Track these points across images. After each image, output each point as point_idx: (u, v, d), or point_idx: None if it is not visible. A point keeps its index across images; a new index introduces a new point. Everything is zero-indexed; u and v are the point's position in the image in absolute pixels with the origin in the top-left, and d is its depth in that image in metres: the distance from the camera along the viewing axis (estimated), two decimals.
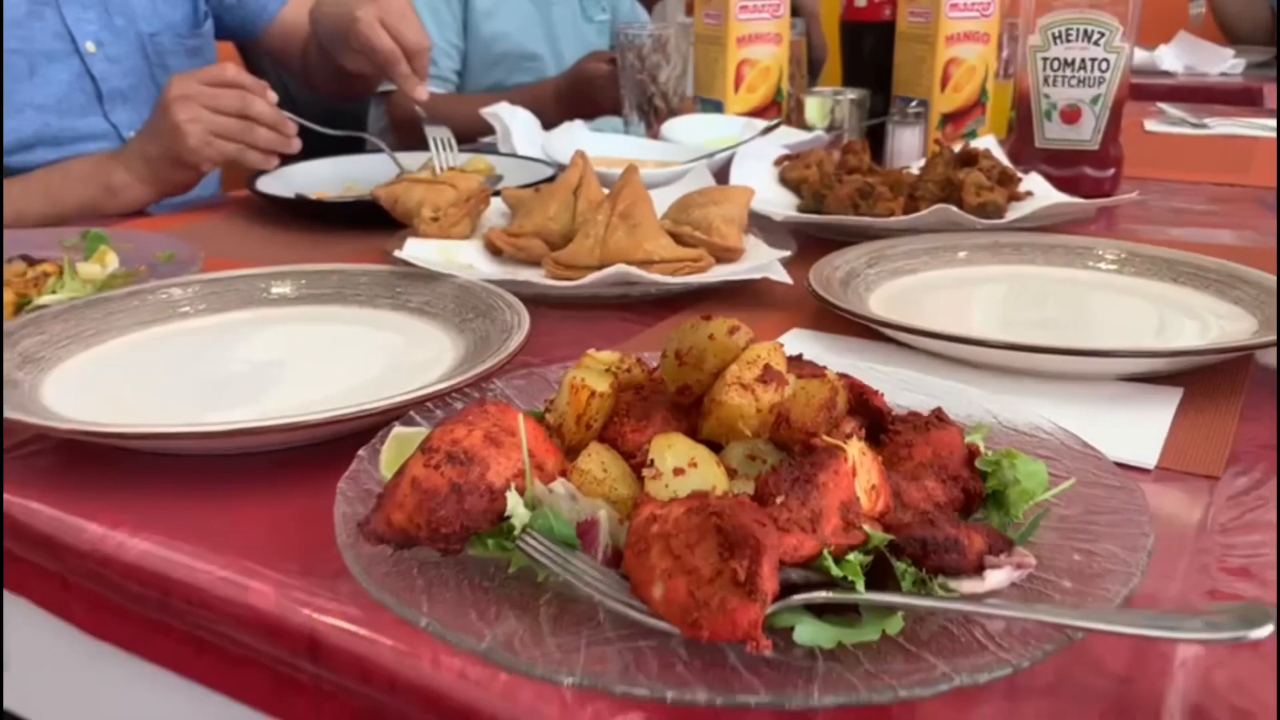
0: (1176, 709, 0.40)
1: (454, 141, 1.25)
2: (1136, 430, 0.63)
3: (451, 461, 0.45)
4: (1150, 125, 1.81)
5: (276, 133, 1.14)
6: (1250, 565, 0.50)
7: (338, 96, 1.57)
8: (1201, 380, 0.69)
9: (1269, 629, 0.38)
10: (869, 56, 1.49)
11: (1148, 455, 0.60)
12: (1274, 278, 0.80)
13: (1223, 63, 2.53)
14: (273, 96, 1.15)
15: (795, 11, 1.50)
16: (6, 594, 0.59)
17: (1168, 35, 2.65)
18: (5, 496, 0.57)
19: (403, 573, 0.45)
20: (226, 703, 0.50)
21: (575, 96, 1.77)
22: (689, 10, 1.67)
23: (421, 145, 1.27)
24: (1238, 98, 2.27)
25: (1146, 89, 2.19)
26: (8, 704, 0.63)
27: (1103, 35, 1.19)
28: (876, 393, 0.54)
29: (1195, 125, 1.79)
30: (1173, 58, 2.57)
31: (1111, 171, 1.24)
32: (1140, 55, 2.59)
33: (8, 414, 0.58)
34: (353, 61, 1.29)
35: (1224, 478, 0.58)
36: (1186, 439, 0.63)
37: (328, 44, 1.35)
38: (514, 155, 1.34)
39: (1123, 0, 1.19)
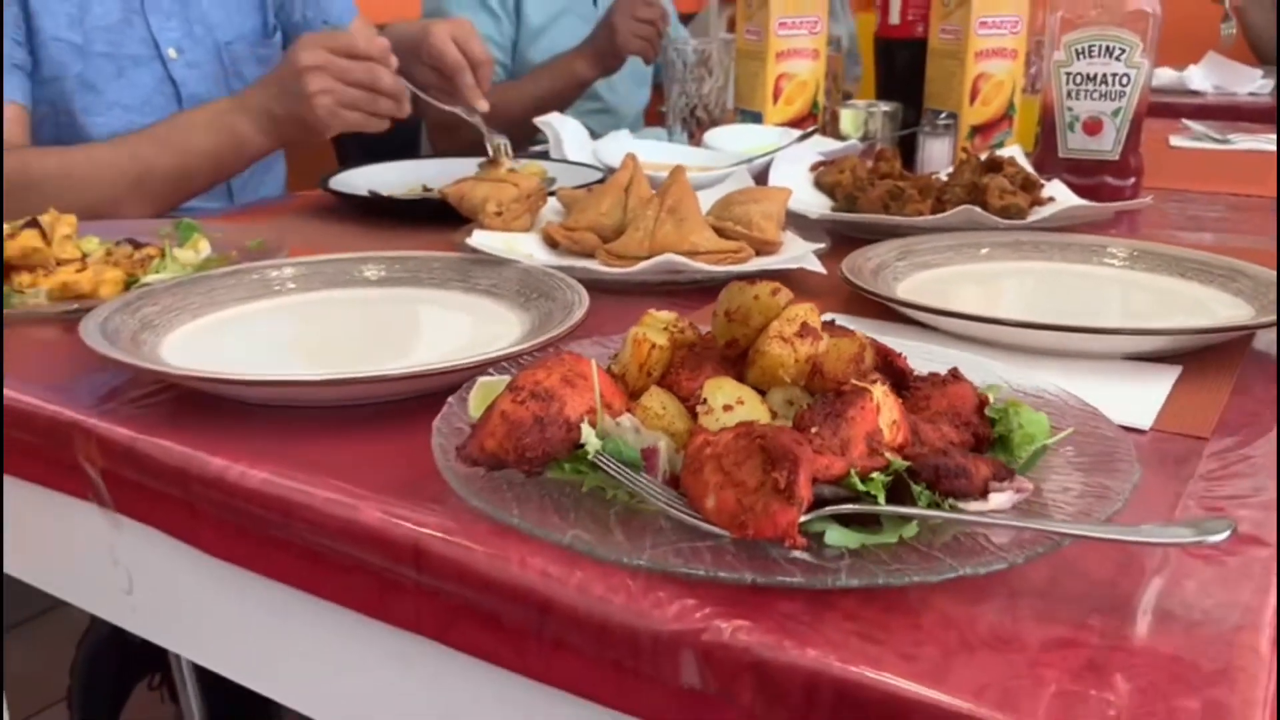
0: (1149, 607, 0.47)
1: (510, 148, 1.34)
2: (1136, 399, 0.70)
3: (534, 398, 0.54)
4: (1175, 141, 1.87)
5: (395, 101, 1.22)
6: (1228, 505, 0.57)
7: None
8: (1199, 360, 0.76)
9: (1225, 535, 0.45)
10: (901, 71, 1.57)
11: (1144, 419, 0.67)
12: (1273, 271, 0.87)
13: (1251, 83, 2.59)
14: (394, 63, 1.21)
15: None
16: (138, 525, 0.67)
17: (1199, 56, 2.71)
18: (138, 436, 0.65)
19: (494, 488, 0.53)
20: (337, 610, 0.58)
21: (602, 34, 1.89)
22: (731, 27, 1.75)
23: (458, 152, 1.38)
24: (1264, 116, 2.32)
25: (1175, 107, 2.26)
26: (141, 632, 0.72)
27: (1124, 51, 1.27)
28: (900, 355, 0.61)
29: (1219, 141, 1.85)
30: (1201, 77, 2.62)
31: (1131, 181, 1.31)
32: (1170, 75, 2.66)
33: (144, 364, 0.67)
34: (420, 74, 1.39)
35: (1212, 439, 0.65)
36: (1181, 407, 0.70)
37: (397, 59, 1.45)
38: (565, 161, 1.43)
39: (1143, 18, 1.26)
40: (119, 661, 1.63)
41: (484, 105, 1.35)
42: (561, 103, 1.92)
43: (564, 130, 1.50)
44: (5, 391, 0.73)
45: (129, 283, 0.91)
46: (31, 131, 1.33)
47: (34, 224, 0.92)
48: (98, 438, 0.67)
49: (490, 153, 1.32)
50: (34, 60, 1.31)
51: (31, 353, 0.81)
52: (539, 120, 1.51)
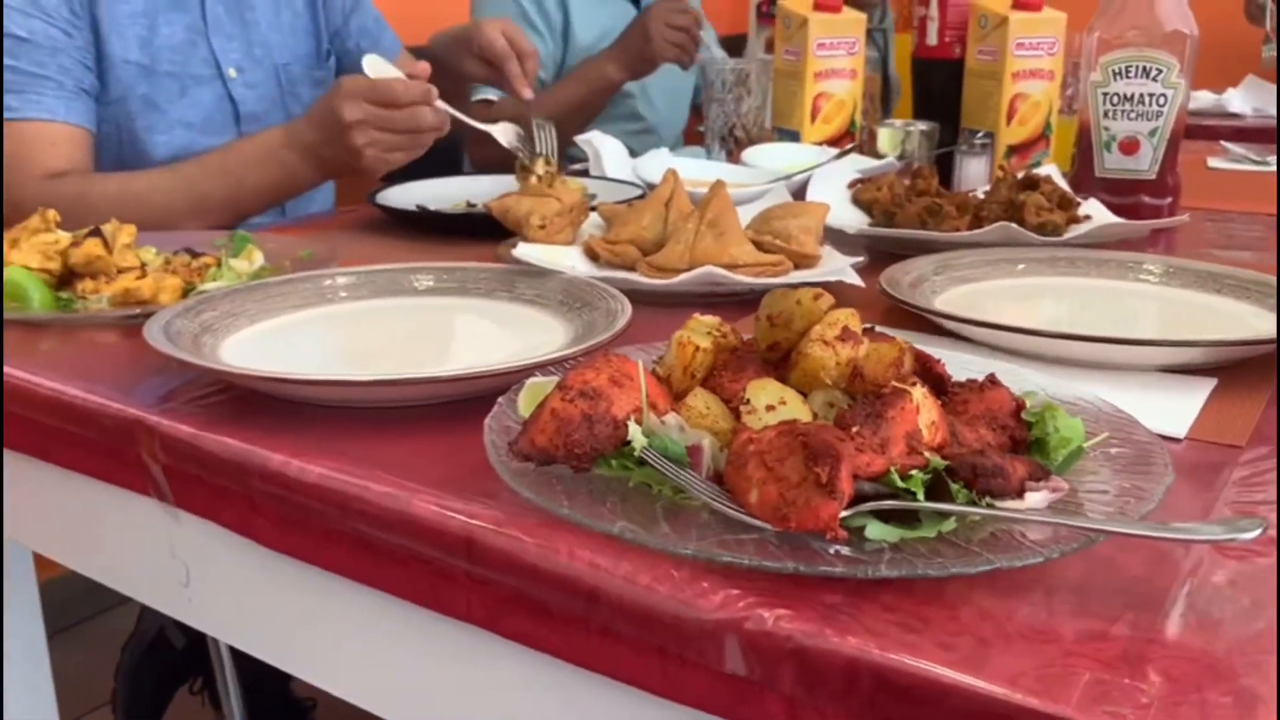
0: (1182, 603, 0.49)
1: (555, 131, 1.38)
2: (1171, 409, 0.71)
3: (583, 396, 0.56)
4: (1213, 162, 1.87)
5: (438, 130, 1.25)
6: (1261, 510, 0.58)
7: None
8: (1235, 373, 0.77)
9: (1257, 532, 0.46)
10: (939, 91, 1.58)
11: (1179, 428, 0.68)
12: None
13: None
14: (435, 94, 1.23)
15: None
16: (197, 519, 0.70)
17: (1239, 79, 2.70)
18: (199, 432, 0.68)
19: (544, 482, 0.55)
20: (390, 601, 0.60)
21: (634, 38, 1.92)
22: (769, 48, 1.78)
23: (497, 164, 1.44)
24: None
25: (1214, 130, 2.25)
26: (197, 624, 0.74)
27: (1161, 72, 1.28)
28: (938, 361, 0.63)
29: (1258, 163, 1.85)
30: (1241, 100, 2.62)
31: (1168, 200, 1.31)
32: (1209, 98, 2.65)
33: (206, 364, 0.70)
34: (470, 65, 1.48)
35: (1246, 448, 0.66)
36: (1216, 417, 0.71)
37: (446, 56, 1.53)
38: (604, 178, 1.45)
39: (1180, 40, 1.27)
40: (162, 666, 1.67)
41: (528, 93, 1.44)
42: (592, 109, 1.95)
43: (604, 148, 1.52)
44: (70, 392, 0.76)
45: (186, 290, 0.94)
46: (96, 150, 1.37)
47: (96, 233, 0.96)
48: (160, 435, 0.70)
49: (526, 163, 1.35)
50: (101, 83, 1.36)
51: (95, 355, 0.85)
52: (580, 139, 1.54)
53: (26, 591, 1.11)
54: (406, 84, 1.23)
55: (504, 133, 1.38)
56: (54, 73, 1.31)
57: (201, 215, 1.26)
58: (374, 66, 1.29)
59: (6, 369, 0.80)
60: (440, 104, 1.24)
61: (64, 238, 0.97)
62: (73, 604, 2.14)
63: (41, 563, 1.09)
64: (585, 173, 1.50)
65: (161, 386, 0.75)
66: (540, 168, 1.30)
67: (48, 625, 1.14)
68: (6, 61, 1.29)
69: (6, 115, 1.29)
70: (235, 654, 1.54)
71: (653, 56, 1.90)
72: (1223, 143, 2.05)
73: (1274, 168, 1.82)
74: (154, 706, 1.68)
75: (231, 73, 1.44)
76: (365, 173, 1.26)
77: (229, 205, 1.28)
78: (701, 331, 0.62)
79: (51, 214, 1.01)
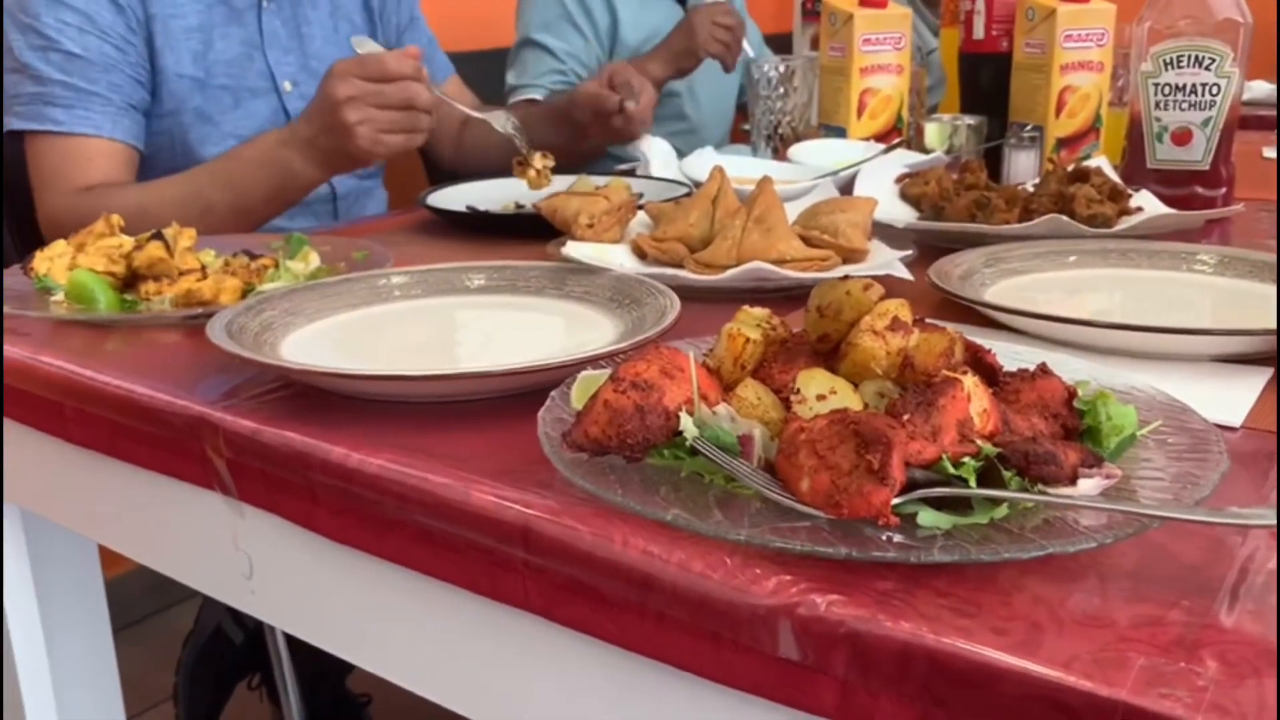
0: (1238, 590, 0.48)
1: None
2: (1226, 399, 0.71)
3: (635, 388, 0.57)
4: (1269, 153, 1.84)
5: (432, 115, 1.24)
6: None
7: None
8: None
9: None
10: (986, 85, 1.57)
11: (1234, 417, 0.68)
12: None
13: None
14: (427, 75, 1.22)
15: None
16: (260, 512, 0.72)
17: None
18: (261, 427, 0.70)
19: (598, 472, 0.56)
20: (449, 590, 0.62)
21: (679, 35, 1.92)
22: (814, 45, 1.78)
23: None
24: None
25: (1270, 120, 2.21)
26: (259, 615, 0.76)
27: (1213, 61, 1.26)
28: (989, 351, 0.63)
29: None
30: None
31: (1223, 191, 1.30)
32: (1265, 88, 2.60)
33: (268, 360, 0.72)
34: (578, 115, 1.56)
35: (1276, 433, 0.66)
36: (1272, 406, 0.70)
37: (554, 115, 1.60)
38: (649, 177, 1.46)
39: (1234, 28, 1.26)
40: (221, 661, 1.70)
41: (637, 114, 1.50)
42: None
43: (652, 149, 1.53)
44: (136, 390, 0.78)
45: (246, 290, 0.97)
46: (148, 161, 1.41)
47: (158, 236, 0.98)
48: (224, 430, 0.72)
49: (524, 154, 1.36)
50: (154, 96, 1.39)
51: (159, 354, 0.87)
52: (631, 145, 1.55)
53: (92, 586, 1.14)
54: (397, 56, 1.21)
55: (499, 120, 1.38)
56: (104, 89, 1.34)
57: (209, 224, 1.25)
58: (362, 45, 1.27)
59: (75, 369, 0.82)
60: (435, 90, 1.23)
61: (128, 242, 1.00)
62: (135, 602, 2.19)
63: (105, 561, 1.12)
64: (631, 173, 1.51)
65: (224, 384, 0.77)
66: (538, 161, 1.30)
67: (113, 621, 1.17)
68: (59, 77, 1.32)
69: (53, 129, 1.33)
70: (292, 649, 1.56)
71: (696, 50, 1.91)
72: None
73: None
74: (214, 702, 1.71)
75: (287, 86, 1.47)
76: (361, 158, 1.23)
77: (235, 212, 1.28)
78: (751, 323, 0.62)
79: (115, 219, 1.04)
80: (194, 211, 1.27)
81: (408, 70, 1.20)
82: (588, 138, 1.56)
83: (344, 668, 1.71)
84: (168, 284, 0.96)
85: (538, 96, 2.02)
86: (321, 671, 1.64)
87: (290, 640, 1.56)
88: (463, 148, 1.73)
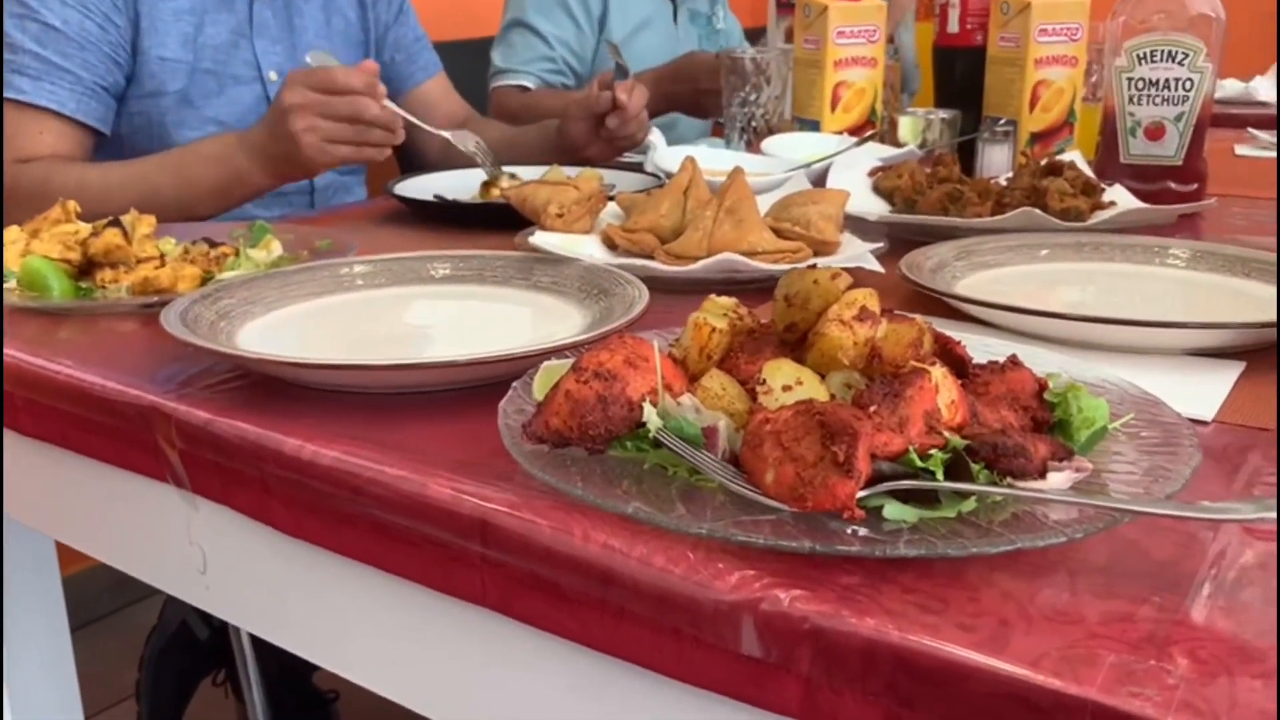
0: (1209, 586, 0.47)
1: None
2: (1198, 392, 0.70)
3: (598, 378, 0.55)
4: (1241, 150, 1.85)
5: (387, 130, 1.22)
6: None
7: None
8: (1264, 356, 0.76)
9: None
10: (960, 79, 1.56)
11: (1206, 410, 0.67)
12: None
13: None
14: (383, 91, 1.21)
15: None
16: (214, 505, 0.70)
17: (1266, 68, 2.66)
18: (215, 418, 0.68)
19: (559, 464, 0.54)
20: (404, 585, 0.60)
21: (679, 84, 1.88)
22: (789, 37, 1.76)
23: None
24: None
25: (1241, 118, 2.22)
26: (213, 610, 0.74)
27: (1187, 56, 1.26)
28: (958, 343, 0.62)
29: None
30: (1268, 88, 2.58)
31: (1194, 186, 1.29)
32: (1237, 87, 2.61)
33: (222, 349, 0.70)
34: (574, 127, 1.51)
35: (1275, 430, 0.65)
36: (1244, 400, 0.69)
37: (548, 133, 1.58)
38: (619, 168, 1.44)
39: (1207, 23, 1.25)
40: (185, 658, 1.68)
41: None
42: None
43: (659, 141, 1.49)
44: (88, 379, 0.76)
45: (205, 279, 0.94)
46: (124, 142, 1.38)
47: (116, 223, 0.96)
48: (176, 421, 0.70)
49: (488, 175, 1.36)
50: (133, 78, 1.36)
51: (113, 343, 0.85)
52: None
53: (49, 582, 1.11)
54: (347, 71, 1.20)
55: (461, 139, 1.37)
56: (76, 66, 1.31)
57: (153, 211, 1.20)
58: (317, 58, 1.28)
59: (27, 358, 0.80)
60: (390, 104, 1.22)
61: (84, 228, 0.97)
62: (97, 598, 2.15)
63: (66, 558, 1.10)
64: (639, 167, 1.48)
65: (178, 373, 0.75)
66: (505, 182, 1.29)
67: (72, 619, 1.15)
68: (31, 47, 1.29)
69: (15, 97, 1.30)
70: (257, 646, 1.54)
71: (703, 112, 1.89)
72: (1250, 130, 2.02)
73: None
74: (177, 698, 1.68)
75: (272, 76, 1.44)
76: (307, 165, 1.23)
77: (179, 204, 1.25)
78: (718, 313, 0.61)
79: (72, 205, 1.01)
80: (134, 197, 1.22)
81: (356, 84, 1.19)
82: (583, 158, 1.52)
83: (310, 664, 1.68)
84: (125, 272, 0.94)
85: (529, 85, 2.00)
86: (287, 667, 1.62)
87: (255, 636, 1.54)
88: (449, 156, 1.70)
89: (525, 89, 2.00)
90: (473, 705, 0.62)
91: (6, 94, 1.30)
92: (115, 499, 0.79)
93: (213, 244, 1.00)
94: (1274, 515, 0.45)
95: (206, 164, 1.27)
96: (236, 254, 0.99)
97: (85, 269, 0.96)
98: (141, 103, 1.38)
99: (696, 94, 1.86)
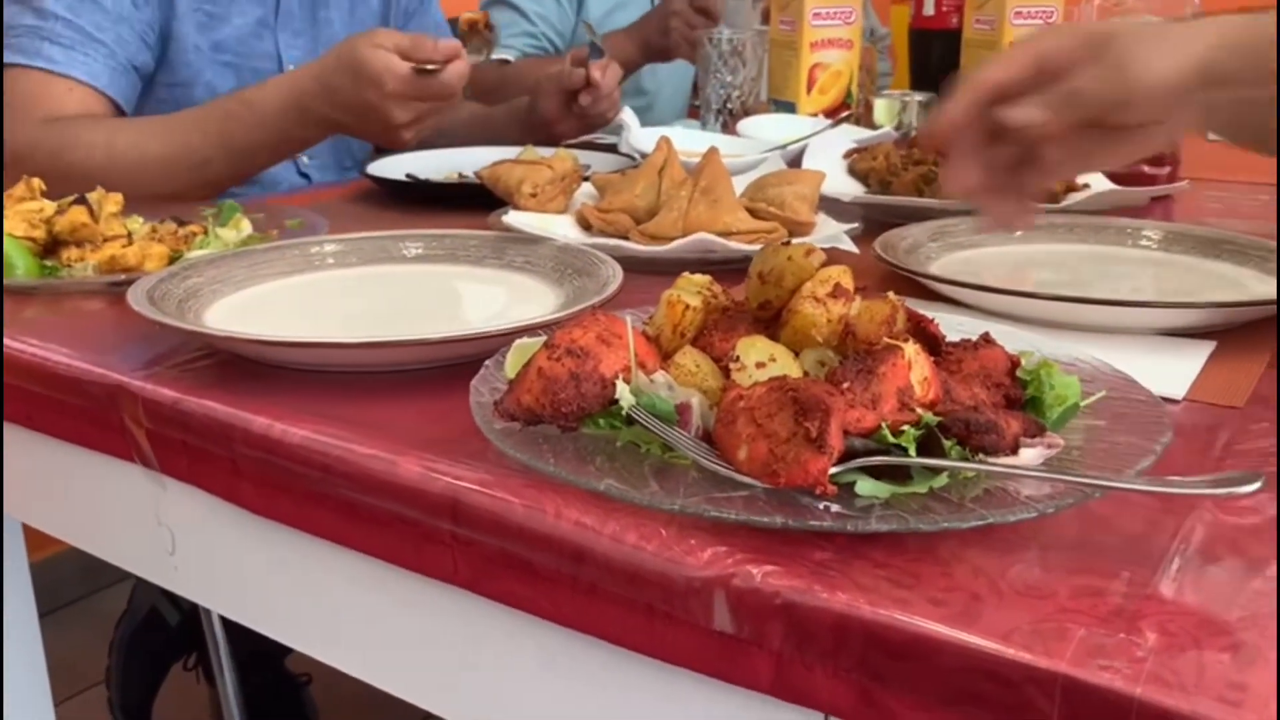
0: (1178, 561, 0.48)
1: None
2: (1169, 372, 0.70)
3: (570, 355, 0.55)
4: (1214, 135, 1.86)
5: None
6: (1257, 466, 0.57)
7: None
8: (1234, 335, 0.76)
9: (1257, 486, 0.46)
10: (936, 62, 1.57)
11: (1177, 389, 0.67)
12: None
13: None
14: (459, 49, 1.16)
15: None
16: (181, 485, 0.69)
17: None
18: (182, 397, 0.67)
19: (531, 441, 0.54)
20: (375, 564, 0.60)
21: (647, 24, 1.89)
22: (765, 19, 1.76)
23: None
24: None
25: None
26: (182, 591, 0.73)
27: None
28: (932, 320, 0.62)
29: None
30: None
31: (1168, 170, 1.30)
32: None
33: (189, 327, 0.69)
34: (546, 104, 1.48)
35: (1245, 408, 0.65)
36: (1215, 379, 0.70)
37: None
38: (593, 149, 1.44)
39: (1181, 7, 1.26)
40: (156, 643, 1.67)
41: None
42: None
43: (634, 121, 1.48)
44: (54, 358, 0.75)
45: (173, 258, 0.93)
46: None
47: (82, 201, 0.95)
48: (143, 400, 0.69)
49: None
50: (167, 65, 1.33)
51: (80, 322, 0.84)
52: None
53: (17, 566, 1.10)
54: (436, 44, 1.14)
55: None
56: (111, 40, 1.25)
57: (202, 181, 1.20)
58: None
59: None
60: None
61: (49, 206, 0.96)
62: (66, 584, 2.13)
63: (34, 543, 1.08)
64: (613, 148, 1.47)
65: (145, 352, 0.74)
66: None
67: (42, 605, 1.13)
68: (64, 14, 1.23)
69: (46, 67, 1.22)
70: (228, 630, 1.53)
71: (668, 52, 1.89)
72: None
73: None
74: (148, 684, 1.67)
75: (291, 69, 1.41)
76: (396, 147, 1.21)
77: (230, 174, 1.22)
78: (691, 290, 0.61)
79: (36, 182, 1.00)
80: (184, 169, 1.19)
81: (445, 51, 1.14)
82: (554, 135, 1.50)
83: (282, 647, 1.67)
84: (91, 250, 0.92)
85: (509, 58, 1.98)
86: (259, 651, 1.61)
87: (227, 620, 1.52)
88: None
89: (506, 62, 1.98)
90: (445, 684, 0.62)
91: (35, 63, 1.22)
92: (82, 480, 0.78)
93: (181, 222, 0.99)
94: (1243, 491, 0.45)
95: (253, 131, 1.19)
96: (205, 233, 0.98)
97: (51, 247, 0.94)
98: (172, 91, 1.33)
99: (665, 19, 1.86)
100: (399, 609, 0.61)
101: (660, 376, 0.55)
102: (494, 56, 1.98)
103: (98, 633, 1.77)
